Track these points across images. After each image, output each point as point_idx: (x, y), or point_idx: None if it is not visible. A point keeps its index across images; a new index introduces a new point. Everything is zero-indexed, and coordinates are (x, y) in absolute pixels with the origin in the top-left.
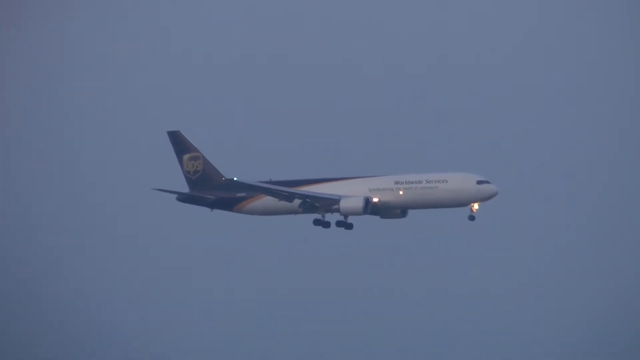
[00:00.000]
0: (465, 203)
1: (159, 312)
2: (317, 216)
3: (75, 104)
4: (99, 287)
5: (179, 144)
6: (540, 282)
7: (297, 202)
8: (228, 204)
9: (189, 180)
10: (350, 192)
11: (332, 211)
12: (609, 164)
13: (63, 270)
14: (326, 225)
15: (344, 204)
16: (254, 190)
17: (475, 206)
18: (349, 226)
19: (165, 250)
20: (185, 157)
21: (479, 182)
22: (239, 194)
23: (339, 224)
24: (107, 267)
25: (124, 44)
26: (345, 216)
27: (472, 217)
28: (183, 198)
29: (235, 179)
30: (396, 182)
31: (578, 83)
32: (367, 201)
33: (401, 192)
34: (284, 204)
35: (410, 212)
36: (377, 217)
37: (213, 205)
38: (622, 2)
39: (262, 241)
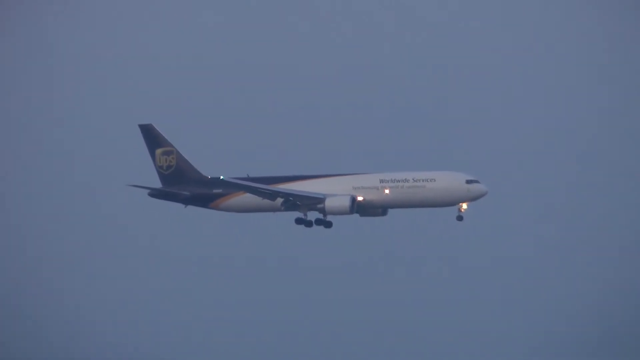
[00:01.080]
0: (454, 203)
1: (127, 313)
2: (299, 215)
3: (43, 97)
4: (68, 286)
5: (152, 137)
6: (528, 283)
7: (279, 200)
8: (204, 201)
9: (162, 176)
10: (333, 190)
11: (317, 210)
12: (600, 163)
13: (25, 267)
14: (309, 224)
15: (329, 203)
16: (241, 188)
17: (464, 206)
18: (328, 224)
19: (140, 248)
20: (158, 151)
21: (468, 182)
22: (215, 190)
23: (318, 222)
24: (74, 265)
25: (97, 37)
26: (325, 215)
27: (460, 217)
28: (156, 194)
29: (221, 177)
30: (381, 181)
31: (568, 80)
32: (354, 200)
33: (387, 191)
34: (265, 201)
35: (390, 210)
36: (356, 215)
37: (188, 201)
38: (621, 3)
39: (242, 239)
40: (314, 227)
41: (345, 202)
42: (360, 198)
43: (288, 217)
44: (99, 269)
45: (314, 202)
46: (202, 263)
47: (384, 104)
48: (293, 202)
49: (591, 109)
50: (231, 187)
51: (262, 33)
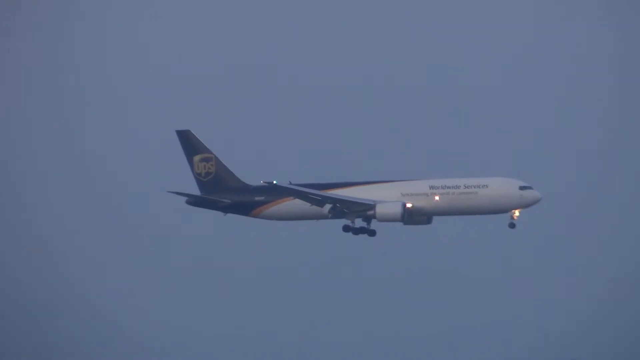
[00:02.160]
0: (507, 209)
1: (165, 320)
2: (347, 222)
3: (82, 103)
4: (100, 291)
5: (189, 144)
6: (584, 292)
7: (326, 207)
8: (244, 209)
9: (200, 183)
10: (381, 197)
11: (366, 217)
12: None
13: (63, 272)
14: (356, 231)
15: (380, 210)
16: (294, 194)
17: (517, 213)
18: (372, 233)
19: (179, 258)
20: (196, 158)
21: (522, 188)
22: (257, 198)
23: (362, 230)
24: (108, 271)
25: (133, 42)
26: (369, 223)
27: (512, 225)
28: (194, 201)
29: (274, 182)
30: (431, 187)
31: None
32: (405, 207)
33: (437, 198)
34: (307, 209)
35: (435, 218)
36: (399, 223)
37: (227, 209)
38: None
39: (287, 248)
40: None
41: (397, 209)
42: (409, 205)
43: (331, 225)
44: (133, 278)
45: (364, 208)
46: (247, 273)
47: (430, 109)
48: (341, 208)
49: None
50: (284, 192)
51: (303, 39)
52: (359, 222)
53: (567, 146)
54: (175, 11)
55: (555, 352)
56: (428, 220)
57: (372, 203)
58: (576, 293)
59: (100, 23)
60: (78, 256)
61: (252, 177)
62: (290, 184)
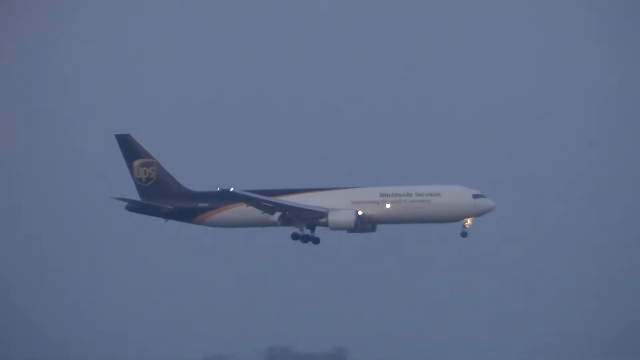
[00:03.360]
0: (459, 218)
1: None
2: (295, 230)
3: (20, 106)
4: (35, 295)
5: (129, 148)
6: (533, 304)
7: (276, 214)
8: (187, 215)
9: (140, 188)
10: (331, 205)
11: (318, 225)
12: (602, 171)
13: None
14: (305, 239)
15: (333, 218)
16: (250, 202)
17: (469, 222)
18: (316, 240)
19: (123, 264)
20: (136, 162)
21: (475, 196)
22: (201, 204)
23: (308, 238)
24: (44, 277)
25: (71, 44)
26: (313, 231)
27: (464, 234)
28: (134, 207)
29: (231, 189)
30: (382, 195)
31: (568, 89)
32: (358, 215)
33: (388, 206)
34: (255, 216)
35: (379, 226)
36: (344, 231)
37: (169, 216)
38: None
39: (233, 256)
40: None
41: (351, 217)
42: (360, 213)
43: (276, 232)
44: (68, 286)
45: (316, 216)
46: (195, 282)
47: (380, 114)
48: (292, 216)
49: (594, 115)
50: (238, 199)
51: (249, 36)
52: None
53: (519, 153)
54: (111, 11)
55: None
56: (372, 228)
57: (324, 211)
58: (523, 300)
59: (38, 25)
60: (15, 263)
61: (194, 182)
62: (232, 190)
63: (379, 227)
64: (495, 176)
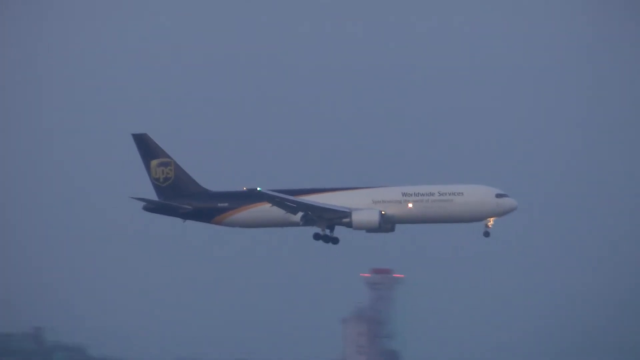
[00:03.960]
0: (482, 218)
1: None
2: (317, 230)
3: (37, 106)
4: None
5: (146, 148)
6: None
7: (298, 214)
8: (206, 215)
9: (158, 188)
10: (352, 204)
11: (340, 225)
12: (625, 168)
13: (17, 274)
14: (327, 240)
15: (357, 217)
16: (276, 201)
17: (492, 221)
18: (336, 240)
19: (147, 264)
20: (154, 162)
21: (498, 196)
22: (220, 204)
23: (326, 238)
24: (61, 276)
25: (91, 44)
26: (332, 231)
27: (487, 233)
28: (152, 208)
29: (258, 189)
30: (404, 194)
31: (590, 92)
32: (381, 214)
33: (410, 205)
34: (275, 216)
35: (398, 226)
36: (362, 231)
37: (187, 216)
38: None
39: (255, 255)
40: (313, 241)
41: (375, 216)
42: (382, 212)
43: (295, 232)
44: (86, 285)
45: (339, 216)
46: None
47: (401, 116)
48: (314, 216)
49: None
50: (264, 199)
51: (271, 37)
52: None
53: (541, 154)
54: (134, 13)
55: None
56: (392, 228)
57: (348, 210)
58: (548, 299)
59: (55, 25)
60: (31, 260)
61: (212, 182)
62: (259, 190)
63: (398, 226)
64: (511, 175)
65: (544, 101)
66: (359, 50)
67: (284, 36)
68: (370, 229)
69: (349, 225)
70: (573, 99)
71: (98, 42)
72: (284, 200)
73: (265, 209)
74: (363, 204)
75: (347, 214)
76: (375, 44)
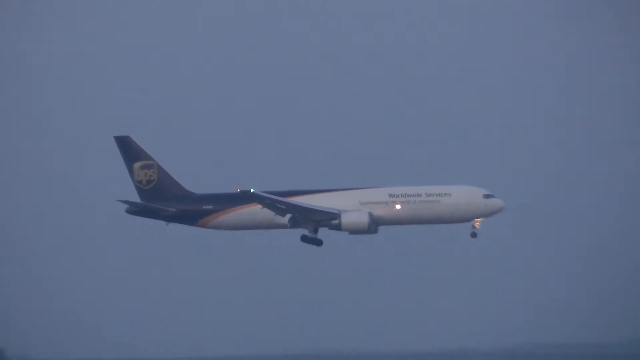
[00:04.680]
0: (470, 218)
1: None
2: (304, 232)
3: (15, 106)
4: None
5: (129, 150)
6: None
7: (287, 216)
8: (191, 218)
9: (141, 191)
10: (338, 206)
11: (329, 227)
12: (611, 168)
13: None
14: (317, 242)
15: (346, 219)
16: (267, 203)
17: (478, 222)
18: (319, 242)
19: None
20: (137, 165)
21: (486, 196)
22: (205, 207)
23: (304, 238)
24: (41, 280)
25: (71, 44)
26: (315, 232)
27: (474, 234)
28: (135, 210)
29: (252, 190)
30: (391, 195)
31: (571, 89)
32: (371, 216)
33: (398, 206)
34: (261, 218)
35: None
36: (345, 233)
37: (170, 219)
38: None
39: (239, 258)
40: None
41: (364, 218)
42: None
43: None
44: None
45: (328, 217)
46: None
47: (387, 115)
48: (302, 217)
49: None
50: (257, 200)
51: (250, 34)
52: (301, 231)
53: (524, 153)
54: (110, 11)
55: None
56: (375, 230)
57: (336, 212)
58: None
59: (38, 25)
60: (14, 265)
61: (196, 185)
62: (253, 192)
63: (381, 228)
64: (498, 176)
65: (531, 101)
66: (347, 49)
67: (269, 35)
68: (359, 231)
69: (338, 227)
70: (560, 99)
71: (81, 43)
72: (277, 202)
73: (251, 211)
74: (349, 205)
75: (336, 215)
76: (365, 44)
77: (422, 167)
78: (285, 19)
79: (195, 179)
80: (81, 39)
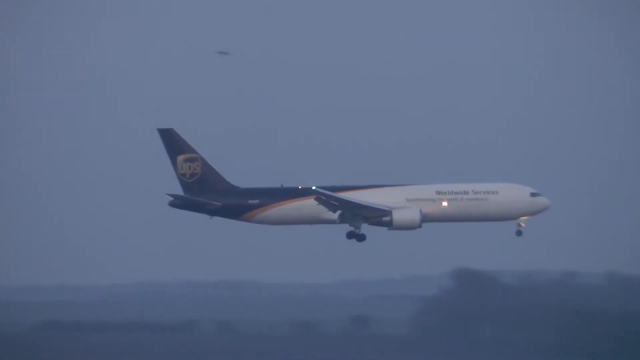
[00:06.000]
0: (516, 216)
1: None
2: (351, 228)
3: (61, 101)
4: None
5: (173, 143)
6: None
7: (337, 212)
8: (235, 212)
9: (184, 184)
10: (385, 202)
11: (379, 224)
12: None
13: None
14: (361, 238)
15: (398, 216)
16: (323, 200)
17: (524, 220)
18: (362, 238)
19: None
20: (180, 158)
21: (533, 194)
22: (251, 201)
23: (350, 235)
24: (85, 273)
25: (116, 39)
26: (358, 230)
27: (519, 232)
28: (178, 204)
29: (314, 187)
30: (438, 192)
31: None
32: (422, 213)
33: (445, 204)
34: (306, 213)
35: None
36: (384, 228)
37: (215, 212)
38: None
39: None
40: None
41: (416, 216)
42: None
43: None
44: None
45: (379, 214)
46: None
47: (430, 111)
48: (353, 214)
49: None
50: (316, 197)
51: (296, 31)
52: (346, 227)
53: (568, 153)
54: (158, 8)
55: None
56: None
57: (387, 209)
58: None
59: (76, 21)
60: (55, 257)
61: (239, 179)
62: (315, 189)
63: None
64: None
65: (575, 105)
66: (388, 48)
67: (313, 32)
68: (409, 228)
69: (389, 224)
70: (599, 100)
71: (126, 38)
72: (333, 199)
73: (297, 206)
74: (396, 202)
75: (387, 212)
76: (401, 41)
77: (460, 164)
78: (324, 17)
79: (238, 173)
80: (126, 30)
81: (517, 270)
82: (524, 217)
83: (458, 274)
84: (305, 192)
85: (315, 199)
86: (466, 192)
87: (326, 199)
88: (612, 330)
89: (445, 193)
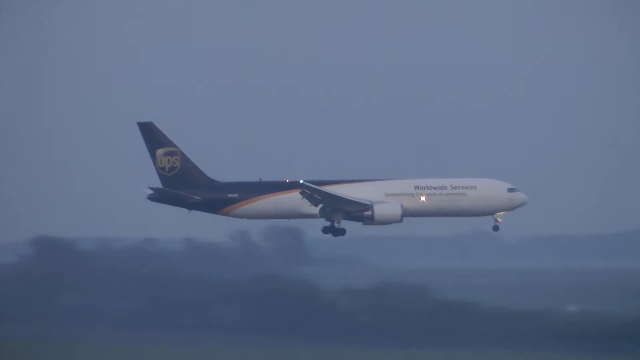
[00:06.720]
0: (494, 212)
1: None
2: (327, 223)
3: (36, 94)
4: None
5: (152, 136)
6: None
7: (319, 206)
8: (215, 206)
9: (163, 178)
10: (364, 197)
11: (361, 219)
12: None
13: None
14: (339, 232)
15: (379, 211)
16: (318, 195)
17: (501, 216)
18: (341, 232)
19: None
20: (159, 151)
21: (510, 190)
22: (230, 195)
23: (326, 230)
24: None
25: (93, 30)
26: (337, 224)
27: (496, 227)
28: (157, 197)
29: (301, 181)
30: (416, 187)
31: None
32: (403, 208)
33: (423, 199)
34: (285, 207)
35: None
36: (359, 223)
37: (193, 206)
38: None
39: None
40: (320, 234)
41: (397, 210)
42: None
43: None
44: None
45: (361, 209)
46: None
47: (410, 108)
48: (334, 208)
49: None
50: (309, 192)
51: (274, 22)
52: (322, 222)
53: (545, 148)
54: (137, 3)
55: None
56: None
57: (369, 203)
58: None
59: (53, 13)
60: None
61: (218, 173)
62: (302, 182)
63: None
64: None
65: (553, 100)
66: (368, 44)
67: (294, 26)
68: (389, 223)
69: (370, 218)
70: (580, 98)
71: (106, 32)
72: (319, 193)
73: (276, 200)
74: (375, 197)
75: (369, 207)
76: (386, 40)
77: (439, 159)
78: (310, 12)
79: (218, 167)
80: (111, 28)
81: (96, 237)
82: (501, 213)
83: (37, 241)
84: (285, 186)
85: (300, 192)
86: (444, 187)
87: (310, 193)
88: None
89: (423, 188)
